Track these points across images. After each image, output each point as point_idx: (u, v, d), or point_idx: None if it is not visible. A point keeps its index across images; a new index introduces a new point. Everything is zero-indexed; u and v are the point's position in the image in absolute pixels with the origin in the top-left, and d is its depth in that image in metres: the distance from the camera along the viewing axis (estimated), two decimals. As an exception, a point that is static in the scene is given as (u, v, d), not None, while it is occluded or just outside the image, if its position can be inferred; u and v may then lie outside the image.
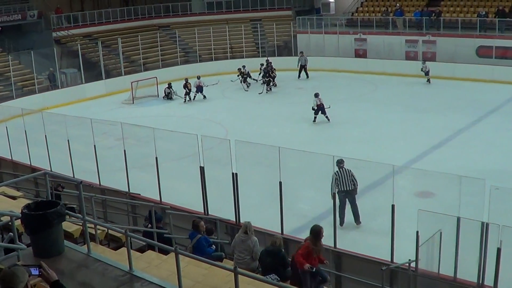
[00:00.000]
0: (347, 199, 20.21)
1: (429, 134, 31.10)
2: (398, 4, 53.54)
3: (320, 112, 34.48)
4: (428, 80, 44.24)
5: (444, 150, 29.00)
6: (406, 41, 49.89)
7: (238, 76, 46.18)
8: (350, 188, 19.95)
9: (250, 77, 46.52)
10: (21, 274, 6.55)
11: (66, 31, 55.61)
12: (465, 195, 14.89)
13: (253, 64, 48.82)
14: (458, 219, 14.41)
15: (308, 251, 14.01)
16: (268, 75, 44.87)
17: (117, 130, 24.76)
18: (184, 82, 43.48)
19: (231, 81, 46.61)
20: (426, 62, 44.74)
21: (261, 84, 45.17)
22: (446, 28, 49.00)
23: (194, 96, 43.47)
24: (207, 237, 15.65)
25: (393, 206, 16.28)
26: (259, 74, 46.23)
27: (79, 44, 49.44)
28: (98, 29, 57.55)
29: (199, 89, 43.47)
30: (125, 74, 49.37)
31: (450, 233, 14.63)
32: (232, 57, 54.14)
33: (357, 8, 57.46)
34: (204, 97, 43.60)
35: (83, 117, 29.18)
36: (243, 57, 53.94)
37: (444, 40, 47.91)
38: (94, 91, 46.20)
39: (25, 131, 28.35)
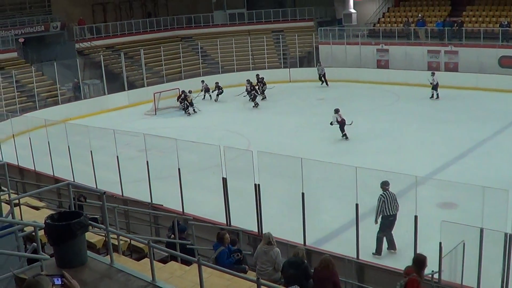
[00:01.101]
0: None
1: (451, 145, 30.95)
2: (420, 15, 53.37)
3: (340, 128, 33.54)
4: (437, 96, 43.03)
5: (466, 160, 28.86)
6: (428, 51, 49.74)
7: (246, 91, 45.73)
8: (394, 213, 19.03)
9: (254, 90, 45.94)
10: (45, 283, 6.58)
11: (89, 43, 56.03)
12: (488, 205, 14.81)
13: (275, 76, 49.07)
14: (481, 230, 14.32)
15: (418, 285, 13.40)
16: (253, 89, 44.78)
17: (139, 141, 24.81)
18: (181, 95, 44.12)
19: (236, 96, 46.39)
20: (436, 75, 43.66)
21: (249, 100, 44.95)
22: (468, 38, 48.76)
23: (194, 110, 43.96)
24: (231, 246, 15.60)
25: (416, 217, 16.22)
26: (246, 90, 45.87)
27: (101, 55, 49.72)
28: (121, 40, 57.88)
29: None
30: (147, 85, 49.60)
31: (473, 244, 14.53)
32: (254, 68, 54.14)
33: (379, 18, 57.35)
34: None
35: (106, 128, 29.34)
36: (265, 68, 53.95)
37: (466, 50, 47.70)
38: (116, 102, 46.44)
39: (48, 142, 28.54)
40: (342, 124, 33.41)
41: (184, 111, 43.48)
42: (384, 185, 19.02)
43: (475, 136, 32.31)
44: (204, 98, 47.83)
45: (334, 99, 41.72)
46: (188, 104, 43.32)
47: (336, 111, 33.67)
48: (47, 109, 43.65)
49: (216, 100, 46.50)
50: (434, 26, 51.60)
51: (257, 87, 45.63)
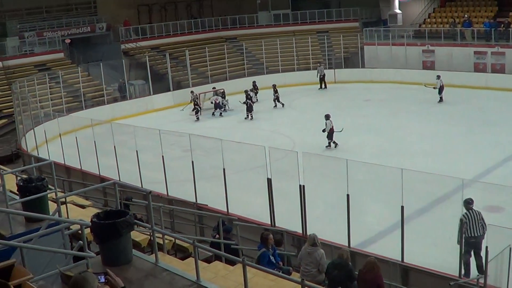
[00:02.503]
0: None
1: (498, 148, 30.50)
2: (466, 15, 52.82)
3: (328, 136, 32.00)
4: (440, 98, 42.24)
5: (514, 163, 28.50)
6: (474, 52, 49.11)
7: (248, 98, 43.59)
8: (479, 234, 17.06)
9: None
10: (91, 279, 6.65)
11: (135, 43, 56.45)
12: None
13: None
14: (528, 234, 14.12)
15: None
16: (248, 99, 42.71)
17: (184, 141, 24.92)
18: (194, 97, 43.80)
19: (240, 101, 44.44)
20: (441, 77, 42.54)
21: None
22: (515, 39, 48.17)
23: (213, 113, 43.49)
24: (276, 248, 15.54)
25: (461, 220, 16.05)
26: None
27: (147, 56, 49.96)
28: (166, 41, 58.24)
29: (217, 105, 43.35)
30: (192, 86, 49.65)
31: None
32: (299, 69, 54.04)
33: (425, 19, 56.90)
34: (221, 114, 43.44)
35: (152, 128, 29.49)
36: (309, 69, 53.84)
37: (513, 51, 47.16)
38: (161, 103, 46.66)
39: (95, 141, 28.75)
40: (331, 131, 32.12)
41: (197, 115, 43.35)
42: (468, 203, 17.21)
43: (523, 139, 31.88)
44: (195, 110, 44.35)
45: (380, 100, 41.49)
46: (199, 107, 43.33)
47: (327, 117, 32.30)
48: (93, 109, 44.03)
49: (254, 102, 44.37)
50: (481, 27, 51.04)
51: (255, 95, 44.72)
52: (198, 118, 42.86)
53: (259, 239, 15.59)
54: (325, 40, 55.97)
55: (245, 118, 41.57)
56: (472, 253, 17.24)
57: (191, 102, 44.48)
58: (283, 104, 44.27)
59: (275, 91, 44.44)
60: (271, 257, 14.98)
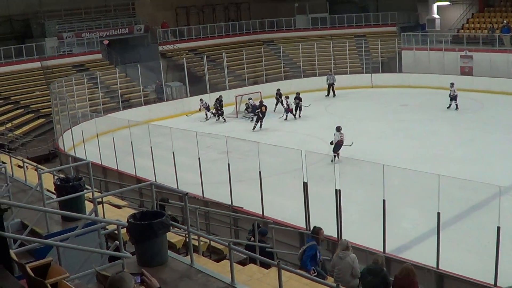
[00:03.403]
0: None
1: (537, 154, 30.23)
2: (505, 21, 52.30)
3: (334, 148, 30.18)
4: (456, 106, 41.49)
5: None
6: (513, 58, 48.75)
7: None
8: None
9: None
10: (128, 280, 6.69)
11: (172, 45, 56.82)
12: None
13: (356, 81, 49.05)
14: None
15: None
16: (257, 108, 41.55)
17: (221, 144, 24.97)
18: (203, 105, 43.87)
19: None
20: (455, 85, 41.75)
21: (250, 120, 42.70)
22: (555, 45, 47.72)
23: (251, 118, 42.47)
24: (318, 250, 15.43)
25: (498, 228, 15.90)
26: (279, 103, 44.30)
27: (184, 58, 50.16)
28: (204, 43, 58.59)
29: (253, 108, 42.55)
30: (229, 88, 49.79)
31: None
32: (336, 73, 53.95)
33: (463, 24, 56.43)
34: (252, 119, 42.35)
35: (188, 130, 29.58)
36: (347, 73, 53.80)
37: (553, 58, 46.69)
38: (198, 105, 46.77)
39: (131, 142, 28.89)
40: (340, 144, 30.40)
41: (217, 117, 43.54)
42: None
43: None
44: (207, 118, 44.48)
45: (416, 105, 41.27)
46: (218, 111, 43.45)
47: (338, 129, 30.79)
48: (130, 110, 44.31)
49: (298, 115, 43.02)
50: (520, 32, 50.61)
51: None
52: (224, 120, 43.50)
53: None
54: (363, 45, 55.76)
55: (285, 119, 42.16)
56: None
57: (200, 110, 44.86)
58: (294, 116, 42.63)
59: (299, 99, 42.68)
60: (318, 253, 14.93)
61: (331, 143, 30.45)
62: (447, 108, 41.63)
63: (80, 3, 55.91)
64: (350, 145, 30.38)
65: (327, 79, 49.93)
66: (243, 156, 26.57)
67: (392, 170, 19.22)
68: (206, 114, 44.12)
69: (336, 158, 30.00)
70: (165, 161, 27.32)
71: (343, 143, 30.39)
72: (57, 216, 12.72)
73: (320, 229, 15.55)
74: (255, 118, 40.61)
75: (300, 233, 20.16)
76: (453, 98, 41.55)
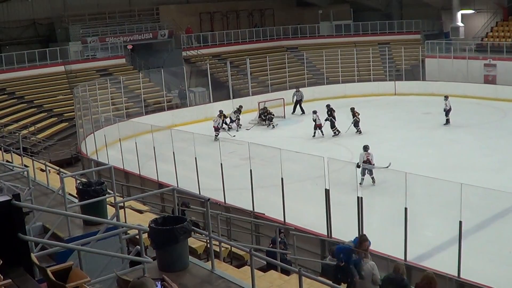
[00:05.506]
0: None
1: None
2: (530, 30, 52.19)
3: (365, 171, 26.98)
4: (447, 121, 39.88)
5: None
6: (538, 67, 48.42)
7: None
8: None
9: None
10: (150, 285, 6.68)
11: (196, 51, 56.93)
12: None
13: (380, 88, 48.89)
14: None
15: None
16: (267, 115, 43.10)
17: (243, 150, 24.95)
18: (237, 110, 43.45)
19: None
20: (449, 99, 40.45)
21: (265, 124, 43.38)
22: None
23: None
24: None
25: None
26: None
27: (208, 64, 50.28)
28: (227, 49, 58.76)
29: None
30: (252, 94, 49.84)
31: None
32: (360, 80, 53.83)
33: (487, 33, 56.16)
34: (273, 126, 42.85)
35: (211, 136, 29.61)
36: (370, 80, 53.74)
37: None
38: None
39: (154, 147, 28.96)
40: (367, 163, 27.34)
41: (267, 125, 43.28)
42: None
43: None
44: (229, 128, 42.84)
45: (440, 113, 41.03)
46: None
47: (365, 148, 28.05)
48: (153, 115, 44.40)
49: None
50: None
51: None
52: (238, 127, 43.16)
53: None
54: (386, 52, 55.79)
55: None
56: None
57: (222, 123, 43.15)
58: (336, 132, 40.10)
59: (356, 114, 39.98)
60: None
61: (358, 165, 25.88)
62: (444, 125, 39.97)
63: (104, 7, 56.23)
64: (387, 167, 26.95)
65: (294, 96, 48.30)
66: (265, 162, 26.51)
67: (415, 178, 19.13)
68: (227, 124, 42.75)
69: (363, 179, 26.80)
70: (187, 167, 27.35)
71: (371, 163, 27.41)
72: (78, 220, 12.75)
73: (367, 239, 14.88)
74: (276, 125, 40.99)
75: (321, 240, 20.12)
76: (447, 112, 40.07)
